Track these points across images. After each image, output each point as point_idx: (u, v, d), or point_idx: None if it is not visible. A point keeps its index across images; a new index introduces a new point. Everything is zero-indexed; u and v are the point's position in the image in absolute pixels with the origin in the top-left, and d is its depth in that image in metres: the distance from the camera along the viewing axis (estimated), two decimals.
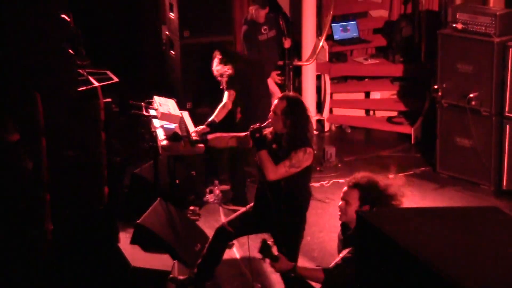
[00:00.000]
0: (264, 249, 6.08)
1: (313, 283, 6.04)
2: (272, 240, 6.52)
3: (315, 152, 7.03)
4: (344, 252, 5.79)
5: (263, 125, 6.94)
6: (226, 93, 8.94)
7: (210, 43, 9.83)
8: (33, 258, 8.69)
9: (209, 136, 7.70)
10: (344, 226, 6.01)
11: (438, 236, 3.48)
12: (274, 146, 6.89)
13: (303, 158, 6.76)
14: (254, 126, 6.92)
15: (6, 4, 8.65)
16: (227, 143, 7.55)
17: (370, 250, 3.65)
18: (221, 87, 9.03)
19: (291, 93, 7.18)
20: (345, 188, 5.92)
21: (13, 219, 8.63)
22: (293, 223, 6.97)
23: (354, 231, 5.68)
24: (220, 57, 9.07)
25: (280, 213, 6.87)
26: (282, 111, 6.82)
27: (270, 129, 6.97)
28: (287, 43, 10.58)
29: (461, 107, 9.96)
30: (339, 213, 5.92)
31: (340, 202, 5.89)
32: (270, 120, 6.93)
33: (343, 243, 5.96)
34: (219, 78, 9.07)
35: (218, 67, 9.06)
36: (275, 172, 6.75)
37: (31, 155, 8.61)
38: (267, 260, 6.22)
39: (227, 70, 8.99)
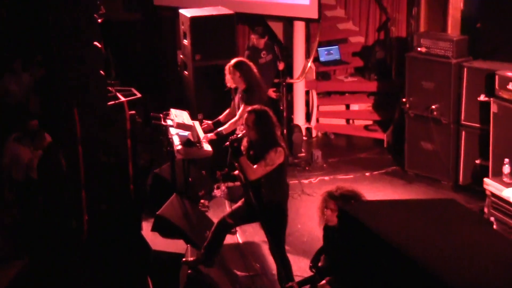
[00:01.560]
0: None
1: None
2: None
3: (286, 150, 7.02)
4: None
5: (239, 136, 6.99)
6: (242, 109, 8.58)
7: (218, 65, 9.84)
8: (73, 242, 8.73)
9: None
10: (327, 228, 6.04)
11: (407, 223, 3.47)
12: (251, 152, 6.93)
13: (275, 156, 6.80)
14: (232, 137, 6.96)
15: (50, 35, 8.70)
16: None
17: (351, 236, 3.66)
18: (236, 100, 8.89)
19: (257, 106, 7.16)
20: (327, 200, 5.92)
21: (57, 211, 8.69)
22: (276, 213, 6.96)
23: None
24: (238, 74, 8.76)
25: (263, 207, 6.87)
26: (252, 122, 6.89)
27: (246, 139, 7.01)
28: (281, 66, 10.59)
29: (425, 116, 9.97)
30: (329, 220, 5.92)
31: (326, 211, 5.88)
32: (244, 132, 6.98)
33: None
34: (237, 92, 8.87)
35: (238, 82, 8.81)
36: (254, 172, 6.79)
37: (67, 158, 8.65)
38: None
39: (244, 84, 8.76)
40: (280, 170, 6.93)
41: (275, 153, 6.79)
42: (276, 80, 10.91)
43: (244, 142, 7.00)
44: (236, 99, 8.87)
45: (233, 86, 8.83)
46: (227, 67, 8.74)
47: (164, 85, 13.27)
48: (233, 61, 8.77)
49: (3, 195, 9.35)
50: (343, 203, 5.71)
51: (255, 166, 6.78)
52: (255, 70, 8.81)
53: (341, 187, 5.94)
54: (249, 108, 7.11)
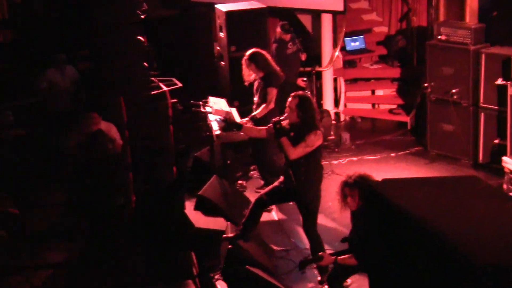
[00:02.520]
0: (304, 264, 6.26)
1: None
2: (305, 256, 6.66)
3: (324, 134, 7.07)
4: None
5: (281, 118, 7.02)
6: (268, 92, 8.61)
7: None
8: (121, 220, 8.82)
9: (244, 127, 7.68)
10: (353, 213, 6.09)
11: (432, 199, 3.43)
12: (291, 134, 6.95)
13: (315, 138, 6.85)
14: (274, 119, 7.01)
15: (97, 30, 8.77)
16: (257, 133, 7.58)
17: (377, 213, 3.65)
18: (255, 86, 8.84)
19: (300, 92, 7.20)
20: (346, 188, 5.94)
21: (106, 191, 8.76)
22: (312, 191, 6.99)
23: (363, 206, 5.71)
24: (253, 65, 8.74)
25: (301, 184, 6.90)
26: (295, 105, 6.91)
27: (287, 121, 7.03)
28: (303, 57, 10.55)
29: (446, 100, 9.90)
30: (350, 205, 5.95)
31: (347, 199, 5.94)
32: (286, 114, 7.00)
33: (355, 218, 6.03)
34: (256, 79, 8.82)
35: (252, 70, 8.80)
36: (295, 152, 6.83)
37: (110, 139, 8.73)
38: (313, 265, 6.41)
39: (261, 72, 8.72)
40: (317, 152, 6.96)
41: (315, 136, 6.82)
42: (308, 69, 10.90)
43: (286, 124, 7.03)
44: (256, 84, 8.83)
45: (252, 79, 8.79)
46: (243, 61, 8.74)
47: (202, 75, 13.28)
48: (247, 54, 8.75)
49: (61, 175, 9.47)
50: (359, 188, 5.76)
51: (296, 147, 6.81)
52: (268, 57, 8.79)
53: (352, 174, 5.98)
54: (293, 93, 7.12)
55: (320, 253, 6.35)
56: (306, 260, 6.48)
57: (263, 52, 8.84)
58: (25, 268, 8.13)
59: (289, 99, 7.04)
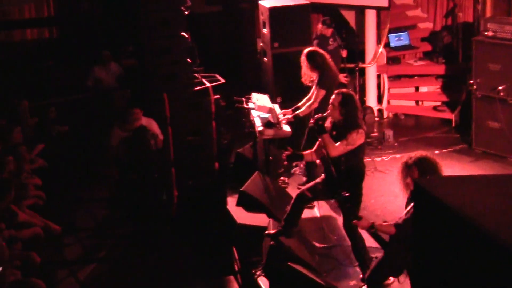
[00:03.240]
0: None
1: None
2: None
3: (366, 132, 6.99)
4: (409, 207, 5.74)
5: (324, 115, 6.96)
6: (316, 92, 8.49)
7: (294, 52, 9.81)
8: (164, 216, 8.85)
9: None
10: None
11: (481, 198, 3.35)
12: (333, 133, 6.88)
13: (357, 137, 6.77)
14: (316, 116, 6.94)
15: (141, 27, 8.81)
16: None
17: (424, 211, 3.57)
18: (311, 84, 8.66)
19: (344, 90, 7.13)
20: (406, 167, 5.86)
21: (149, 187, 8.80)
22: (353, 188, 6.90)
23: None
24: (306, 63, 8.56)
25: (342, 183, 6.83)
26: (339, 103, 6.84)
27: (329, 119, 6.96)
28: (344, 53, 10.47)
29: (492, 97, 9.75)
30: (410, 186, 5.84)
31: (406, 179, 5.82)
32: (329, 111, 6.93)
33: (409, 200, 5.93)
34: (310, 80, 8.66)
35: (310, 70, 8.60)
36: (336, 149, 6.76)
37: (152, 134, 8.78)
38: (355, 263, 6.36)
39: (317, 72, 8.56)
40: (359, 150, 6.89)
41: (357, 134, 6.75)
42: (350, 65, 10.81)
43: (328, 123, 6.96)
44: (313, 86, 8.74)
45: (308, 80, 8.66)
46: (301, 59, 8.62)
47: (245, 71, 13.29)
48: (304, 52, 8.64)
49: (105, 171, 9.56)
50: (419, 169, 5.66)
51: (337, 144, 6.76)
52: (326, 56, 8.67)
53: (414, 155, 5.89)
54: (336, 91, 7.06)
55: (360, 214, 6.24)
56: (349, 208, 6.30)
57: (321, 51, 8.72)
58: (71, 263, 8.21)
59: (333, 96, 6.97)
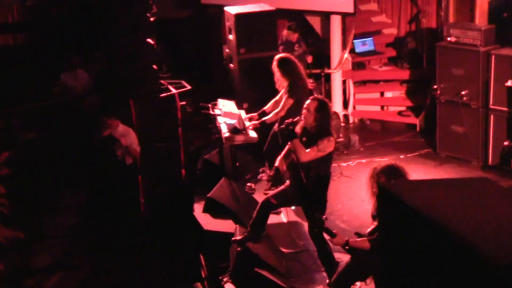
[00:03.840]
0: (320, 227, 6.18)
1: None
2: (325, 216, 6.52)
3: (336, 140, 7.01)
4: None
5: (295, 120, 6.96)
6: (284, 100, 8.47)
7: (261, 58, 9.83)
8: (131, 222, 8.78)
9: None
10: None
11: (445, 200, 3.38)
12: (304, 139, 6.88)
13: (328, 145, 6.78)
14: (287, 121, 6.94)
15: (108, 33, 8.77)
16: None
17: (389, 214, 3.59)
18: (281, 93, 8.65)
19: (320, 96, 7.16)
20: (374, 175, 5.86)
21: (115, 194, 8.73)
22: (319, 194, 6.91)
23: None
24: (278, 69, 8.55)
25: (309, 187, 6.83)
26: (314, 109, 6.84)
27: (300, 125, 6.96)
28: (309, 59, 10.48)
29: (455, 102, 9.83)
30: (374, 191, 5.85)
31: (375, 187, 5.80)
32: (303, 116, 6.92)
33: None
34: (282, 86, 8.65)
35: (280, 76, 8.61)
36: (307, 155, 6.76)
37: (120, 145, 8.69)
38: (326, 236, 6.32)
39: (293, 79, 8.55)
40: (328, 158, 6.91)
41: (328, 142, 6.76)
42: (316, 71, 10.83)
43: (298, 129, 6.96)
44: (283, 93, 8.72)
45: (282, 86, 8.63)
46: (273, 65, 8.61)
47: (211, 77, 13.26)
48: (276, 57, 8.63)
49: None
50: (387, 177, 5.68)
51: (308, 150, 6.75)
52: (298, 64, 8.66)
53: (382, 163, 5.91)
54: (312, 96, 7.06)
55: (334, 231, 6.22)
56: (322, 225, 6.28)
57: (293, 58, 8.69)
58: (38, 271, 8.12)
59: (308, 101, 6.97)
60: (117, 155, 8.68)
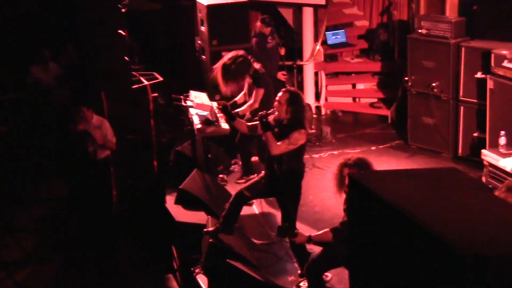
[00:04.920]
0: (282, 231, 6.14)
1: None
2: (286, 224, 6.51)
3: (308, 131, 7.02)
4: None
5: (268, 112, 6.96)
6: (255, 93, 8.56)
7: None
8: (103, 214, 8.74)
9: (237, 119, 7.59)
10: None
11: (413, 190, 3.41)
12: (276, 130, 6.88)
13: (299, 137, 6.78)
14: (261, 113, 6.93)
15: (79, 25, 8.70)
16: (245, 129, 7.51)
17: (360, 204, 3.61)
18: (246, 87, 8.74)
19: (292, 88, 7.16)
20: (346, 169, 5.86)
21: (88, 186, 8.67)
22: (293, 187, 6.93)
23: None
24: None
25: (283, 179, 6.85)
26: (285, 101, 6.84)
27: (273, 116, 6.97)
28: (282, 51, 10.47)
29: (426, 93, 9.89)
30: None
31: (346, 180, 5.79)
32: (274, 108, 6.93)
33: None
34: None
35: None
36: (278, 148, 6.76)
37: (93, 141, 8.61)
38: (287, 238, 6.30)
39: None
40: (301, 150, 6.91)
41: (299, 134, 6.75)
42: (288, 63, 10.85)
43: (271, 120, 6.96)
44: (246, 85, 8.76)
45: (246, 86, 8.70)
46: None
47: (184, 69, 13.21)
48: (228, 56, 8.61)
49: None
50: (357, 170, 5.69)
51: (279, 143, 6.75)
52: (249, 57, 8.66)
53: (353, 156, 5.93)
54: (284, 88, 7.08)
55: (295, 231, 6.24)
56: (284, 228, 6.27)
57: (242, 54, 8.66)
58: (9, 264, 8.07)
59: (280, 93, 6.97)
60: (88, 151, 8.59)
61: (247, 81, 8.69)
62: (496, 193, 5.32)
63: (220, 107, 7.47)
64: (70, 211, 8.90)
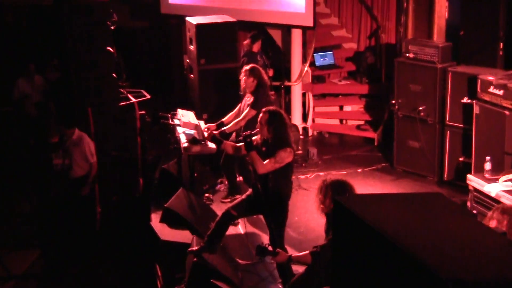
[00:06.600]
0: (261, 251, 6.13)
1: None
2: (266, 243, 6.52)
3: (295, 151, 7.06)
4: (330, 234, 5.76)
5: (252, 132, 7.01)
6: (247, 111, 8.59)
7: (221, 69, 9.89)
8: (87, 231, 8.72)
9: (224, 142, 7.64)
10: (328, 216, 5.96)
11: (397, 215, 3.43)
12: (263, 149, 6.93)
13: (285, 156, 6.81)
14: (245, 133, 6.99)
15: (67, 41, 8.72)
16: (230, 150, 7.57)
17: (344, 228, 3.64)
18: (240, 105, 8.82)
19: (271, 107, 7.18)
20: (322, 188, 5.84)
21: (70, 204, 8.65)
22: (279, 207, 6.96)
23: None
24: (252, 78, 8.65)
25: (268, 200, 6.88)
26: (265, 121, 6.89)
27: (259, 136, 7.02)
28: (270, 72, 10.55)
29: (412, 117, 9.97)
30: (326, 208, 5.81)
31: (326, 200, 5.72)
32: (258, 129, 6.99)
33: (328, 226, 5.94)
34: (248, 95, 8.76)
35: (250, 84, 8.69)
36: (264, 167, 6.79)
37: (66, 154, 8.56)
38: (268, 257, 6.30)
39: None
40: (287, 169, 6.93)
41: (285, 153, 6.79)
42: (276, 83, 10.91)
43: (258, 139, 7.00)
44: (243, 101, 8.81)
45: (247, 90, 8.73)
46: (243, 70, 8.70)
47: (171, 87, 13.27)
48: (249, 66, 8.74)
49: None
50: (337, 193, 5.67)
51: (265, 162, 6.79)
52: (266, 77, 8.80)
53: (332, 178, 5.89)
54: (264, 109, 7.11)
55: (277, 249, 6.25)
56: (262, 248, 6.26)
57: (263, 71, 8.83)
58: None
59: (260, 114, 7.02)
60: (54, 163, 8.53)
61: (247, 96, 8.71)
62: (489, 214, 5.36)
63: (210, 135, 7.53)
64: (52, 228, 8.85)
